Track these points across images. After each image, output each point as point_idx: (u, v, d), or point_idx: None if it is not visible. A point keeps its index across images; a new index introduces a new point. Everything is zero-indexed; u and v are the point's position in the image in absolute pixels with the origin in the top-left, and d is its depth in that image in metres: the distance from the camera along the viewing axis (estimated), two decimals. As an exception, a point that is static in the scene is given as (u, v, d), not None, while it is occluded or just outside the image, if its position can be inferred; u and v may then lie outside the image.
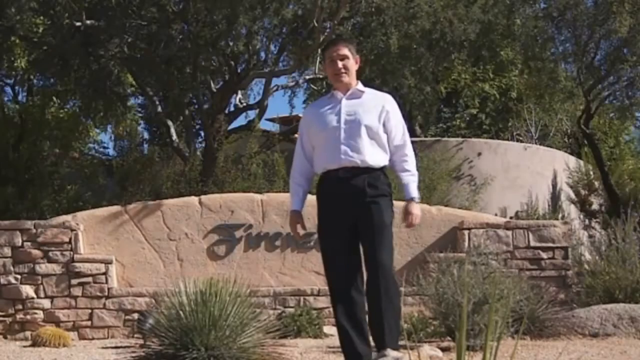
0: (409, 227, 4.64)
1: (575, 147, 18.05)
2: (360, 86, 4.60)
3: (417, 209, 4.50)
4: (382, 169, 4.46)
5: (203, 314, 4.84)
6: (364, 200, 4.33)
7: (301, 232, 4.66)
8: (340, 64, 4.51)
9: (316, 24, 10.67)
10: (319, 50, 11.92)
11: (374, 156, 4.41)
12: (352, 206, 4.35)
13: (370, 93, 4.60)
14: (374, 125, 4.43)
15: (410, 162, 4.55)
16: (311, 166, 4.61)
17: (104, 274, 8.16)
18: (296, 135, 17.23)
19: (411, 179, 4.53)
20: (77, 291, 8.14)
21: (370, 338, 4.35)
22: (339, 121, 4.45)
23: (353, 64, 4.56)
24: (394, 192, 4.55)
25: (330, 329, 7.33)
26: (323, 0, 10.51)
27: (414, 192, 4.51)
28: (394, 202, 4.51)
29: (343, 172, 4.39)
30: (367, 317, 4.34)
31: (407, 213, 4.48)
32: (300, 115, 16.89)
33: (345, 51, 4.54)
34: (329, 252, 4.45)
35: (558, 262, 8.41)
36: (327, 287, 4.56)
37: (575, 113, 16.57)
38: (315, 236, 8.00)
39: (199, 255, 8.50)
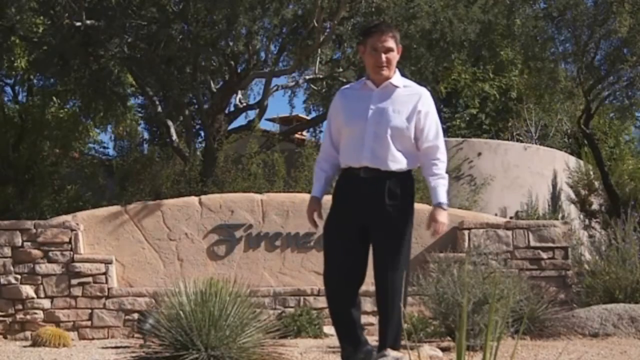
0: (433, 235, 4.30)
1: (575, 147, 18.05)
2: (395, 79, 4.29)
3: (444, 216, 4.18)
4: (407, 173, 4.24)
5: (203, 314, 4.83)
6: (382, 208, 4.14)
7: (317, 220, 4.37)
8: (383, 57, 4.20)
9: (316, 24, 10.67)
10: (319, 50, 11.93)
11: (398, 163, 4.18)
12: (368, 209, 4.17)
13: (404, 88, 4.29)
14: (402, 127, 4.18)
15: (440, 165, 4.24)
16: (337, 153, 4.35)
17: (104, 274, 8.16)
18: (296, 136, 17.22)
19: (440, 182, 4.21)
20: (77, 291, 8.14)
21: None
22: (366, 118, 4.20)
23: (395, 56, 4.26)
24: (419, 193, 4.36)
25: (330, 329, 7.30)
26: (323, 0, 10.51)
27: (442, 197, 4.19)
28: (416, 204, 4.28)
29: (364, 172, 4.20)
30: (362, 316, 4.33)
31: (432, 220, 4.18)
32: (300, 115, 16.98)
33: (391, 43, 4.22)
34: (330, 251, 4.32)
35: (558, 262, 8.41)
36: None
37: (575, 113, 16.55)
38: (315, 236, 8.15)
39: (199, 255, 8.50)
